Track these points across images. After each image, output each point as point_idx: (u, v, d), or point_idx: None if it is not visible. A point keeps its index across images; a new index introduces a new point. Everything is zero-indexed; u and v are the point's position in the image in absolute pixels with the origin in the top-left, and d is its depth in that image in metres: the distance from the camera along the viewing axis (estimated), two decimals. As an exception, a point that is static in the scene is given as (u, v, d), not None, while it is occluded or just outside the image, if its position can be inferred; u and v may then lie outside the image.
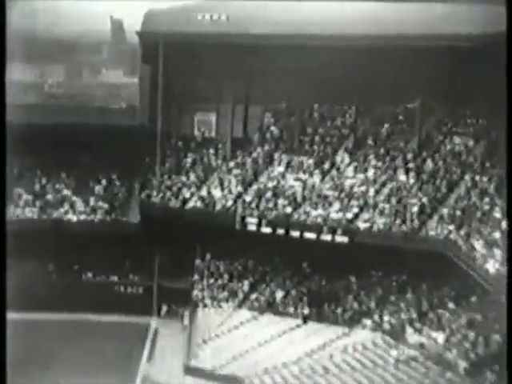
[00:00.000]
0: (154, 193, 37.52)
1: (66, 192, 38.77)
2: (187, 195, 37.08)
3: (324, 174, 36.21)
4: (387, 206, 33.05)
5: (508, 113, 20.16)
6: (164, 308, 36.01)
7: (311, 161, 36.99)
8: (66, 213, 37.86)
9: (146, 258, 35.83)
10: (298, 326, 31.69)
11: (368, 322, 30.72)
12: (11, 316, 33.50)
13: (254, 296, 33.82)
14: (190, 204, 36.67)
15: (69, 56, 41.59)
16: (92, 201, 38.26)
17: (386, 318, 30.50)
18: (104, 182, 39.17)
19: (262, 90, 39.92)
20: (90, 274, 37.24)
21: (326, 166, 36.62)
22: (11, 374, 27.68)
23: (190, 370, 30.29)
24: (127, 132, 37.57)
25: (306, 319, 31.85)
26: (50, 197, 38.60)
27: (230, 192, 36.53)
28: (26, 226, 36.81)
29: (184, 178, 38.19)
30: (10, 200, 38.02)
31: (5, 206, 18.87)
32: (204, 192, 37.09)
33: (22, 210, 37.88)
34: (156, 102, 37.44)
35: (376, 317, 30.82)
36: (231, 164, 38.44)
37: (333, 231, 32.43)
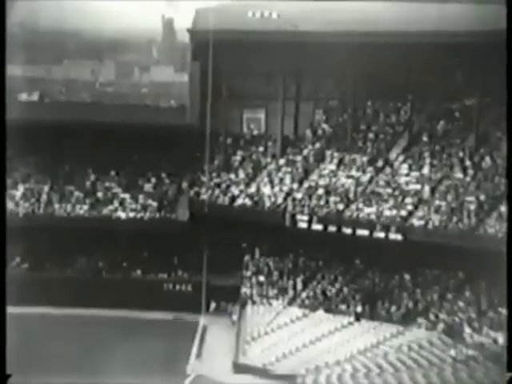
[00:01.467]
0: (203, 190, 38.09)
1: (116, 190, 39.73)
2: (236, 192, 37.54)
3: (377, 172, 36.09)
4: (443, 203, 32.68)
5: (508, 112, 21.20)
6: (213, 305, 36.27)
7: (365, 158, 36.93)
8: (116, 210, 38.76)
9: (195, 255, 36.15)
10: (350, 323, 31.48)
11: (423, 321, 30.29)
12: (63, 312, 34.86)
13: (305, 293, 33.83)
14: (239, 201, 37.06)
15: (119, 55, 42.74)
16: (141, 198, 39.07)
17: (442, 317, 30.00)
18: (153, 179, 39.95)
19: (313, 87, 40.23)
20: (138, 272, 37.84)
21: (380, 163, 36.52)
22: (60, 370, 28.75)
23: (239, 367, 30.36)
24: (176, 130, 38.24)
25: (358, 317, 31.66)
26: (100, 194, 39.61)
27: (280, 189, 36.76)
28: (76, 223, 38.04)
29: (233, 176, 38.70)
30: (62, 197, 39.33)
31: (5, 202, 19.42)
32: (253, 189, 37.45)
33: (73, 207, 38.95)
34: (205, 99, 38.03)
35: (432, 316, 30.36)
36: (281, 161, 38.69)
37: (386, 228, 32.31)
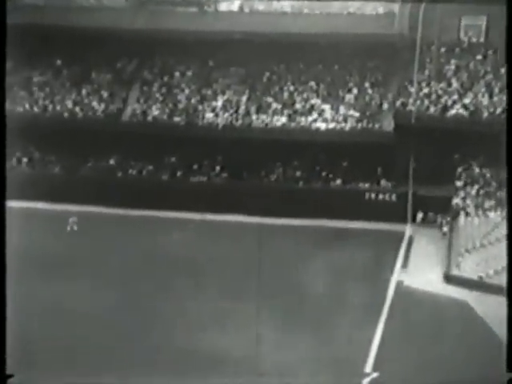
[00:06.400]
0: (411, 101, 36.87)
1: (315, 101, 39.75)
2: (449, 103, 36.05)
3: None
4: None
5: (508, 111, 21.57)
6: (419, 215, 35.39)
7: None
8: (315, 121, 38.86)
9: (400, 165, 35.44)
10: None
11: None
12: (260, 220, 35.70)
13: (530, 203, 31.65)
14: (452, 112, 35.65)
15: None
16: (342, 109, 38.74)
17: None
18: (355, 90, 39.43)
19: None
20: (338, 181, 37.75)
21: None
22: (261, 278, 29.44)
23: (451, 279, 29.38)
24: (383, 38, 37.29)
25: None
26: (298, 106, 39.92)
27: (500, 99, 34.66)
28: (273, 135, 38.71)
29: (445, 85, 37.13)
30: (260, 108, 40.16)
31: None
32: (468, 99, 35.80)
33: (271, 118, 39.57)
34: (418, 6, 36.65)
35: None
36: (502, 70, 36.37)
37: None
